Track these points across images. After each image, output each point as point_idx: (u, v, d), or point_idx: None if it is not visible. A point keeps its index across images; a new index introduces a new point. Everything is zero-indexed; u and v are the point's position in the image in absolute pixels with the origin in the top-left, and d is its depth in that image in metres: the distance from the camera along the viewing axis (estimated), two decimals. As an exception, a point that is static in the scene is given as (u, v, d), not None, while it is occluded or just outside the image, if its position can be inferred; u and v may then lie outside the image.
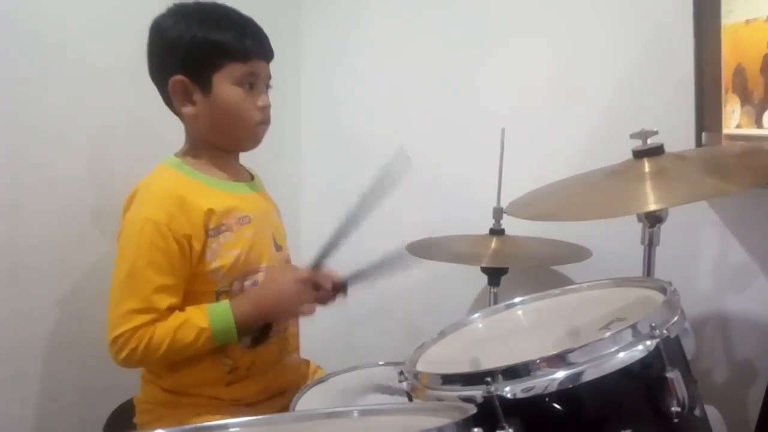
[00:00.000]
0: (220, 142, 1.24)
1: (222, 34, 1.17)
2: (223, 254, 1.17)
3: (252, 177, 1.34)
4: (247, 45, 1.19)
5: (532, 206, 1.20)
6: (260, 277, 1.22)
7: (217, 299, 1.18)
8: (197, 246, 1.15)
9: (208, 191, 1.20)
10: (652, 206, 1.06)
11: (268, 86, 1.26)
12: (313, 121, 1.99)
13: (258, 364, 1.23)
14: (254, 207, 1.25)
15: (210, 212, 1.16)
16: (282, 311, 1.22)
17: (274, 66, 1.27)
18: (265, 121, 1.25)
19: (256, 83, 1.21)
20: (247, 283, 1.21)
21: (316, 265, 1.22)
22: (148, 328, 1.11)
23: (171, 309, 1.14)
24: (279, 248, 1.30)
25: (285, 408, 1.25)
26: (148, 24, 1.20)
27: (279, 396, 1.27)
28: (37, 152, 1.30)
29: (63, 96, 1.34)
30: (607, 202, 1.10)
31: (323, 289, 1.23)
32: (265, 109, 1.24)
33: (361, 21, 1.91)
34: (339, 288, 1.24)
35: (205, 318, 1.14)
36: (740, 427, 1.41)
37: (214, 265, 1.17)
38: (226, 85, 1.18)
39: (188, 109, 1.20)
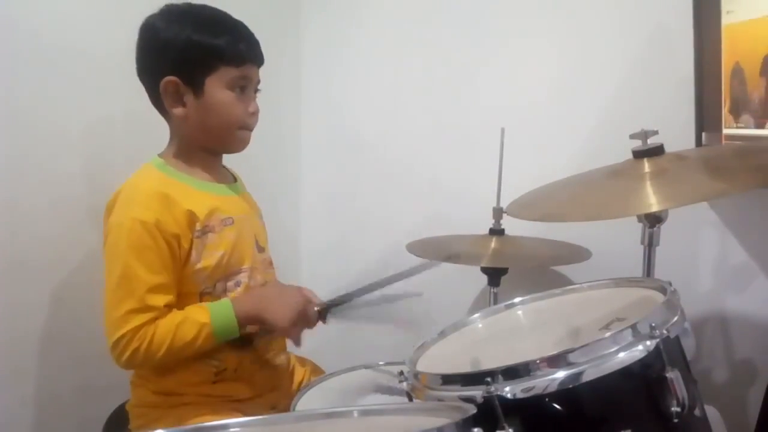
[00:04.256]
0: (207, 144, 1.25)
1: (216, 37, 1.18)
2: (207, 255, 1.18)
3: (235, 179, 1.34)
4: (240, 49, 1.20)
5: (532, 207, 1.20)
6: (243, 277, 1.22)
7: (200, 300, 1.18)
8: (185, 245, 1.15)
9: (191, 192, 1.20)
10: (653, 208, 1.06)
11: (256, 91, 1.26)
12: (313, 121, 1.99)
13: (245, 366, 1.23)
14: (236, 209, 1.26)
15: (193, 213, 1.16)
16: (278, 318, 1.17)
17: (274, 66, 1.27)
18: (253, 126, 1.26)
19: (246, 87, 1.22)
20: (229, 283, 1.21)
21: (325, 307, 1.23)
22: (149, 327, 1.11)
23: (168, 307, 1.14)
24: (261, 250, 1.30)
25: (276, 405, 1.26)
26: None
27: (269, 393, 1.27)
28: (35, 149, 1.30)
29: (60, 92, 1.34)
30: (607, 204, 1.10)
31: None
32: (255, 114, 1.25)
33: (361, 21, 1.91)
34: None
35: (206, 314, 1.14)
36: (740, 427, 1.41)
37: (199, 266, 1.17)
38: (218, 88, 1.19)
39: (178, 110, 1.20)
